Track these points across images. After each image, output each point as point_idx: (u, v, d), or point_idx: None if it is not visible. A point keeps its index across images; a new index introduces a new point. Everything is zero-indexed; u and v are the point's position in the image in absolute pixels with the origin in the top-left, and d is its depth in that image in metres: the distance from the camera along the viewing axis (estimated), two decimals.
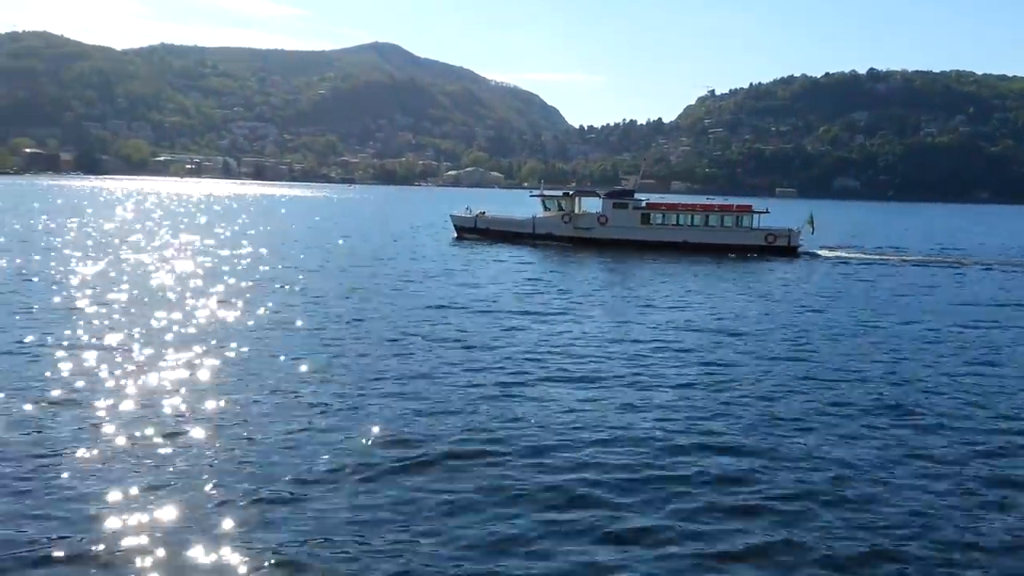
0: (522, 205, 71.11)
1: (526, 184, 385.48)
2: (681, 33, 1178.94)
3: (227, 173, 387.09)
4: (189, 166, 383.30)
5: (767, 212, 56.38)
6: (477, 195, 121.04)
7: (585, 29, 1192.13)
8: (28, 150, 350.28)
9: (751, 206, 57.68)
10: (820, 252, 55.46)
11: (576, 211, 56.49)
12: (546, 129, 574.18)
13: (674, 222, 54.86)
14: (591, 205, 58.38)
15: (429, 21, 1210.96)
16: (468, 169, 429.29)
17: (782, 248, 53.03)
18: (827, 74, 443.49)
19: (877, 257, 55.57)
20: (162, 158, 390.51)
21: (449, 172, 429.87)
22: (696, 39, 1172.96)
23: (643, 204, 56.35)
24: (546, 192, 61.26)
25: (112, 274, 36.41)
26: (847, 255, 55.21)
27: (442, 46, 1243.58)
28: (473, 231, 60.91)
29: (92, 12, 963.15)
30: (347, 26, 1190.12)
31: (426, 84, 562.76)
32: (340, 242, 59.16)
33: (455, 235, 62.50)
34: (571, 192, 59.90)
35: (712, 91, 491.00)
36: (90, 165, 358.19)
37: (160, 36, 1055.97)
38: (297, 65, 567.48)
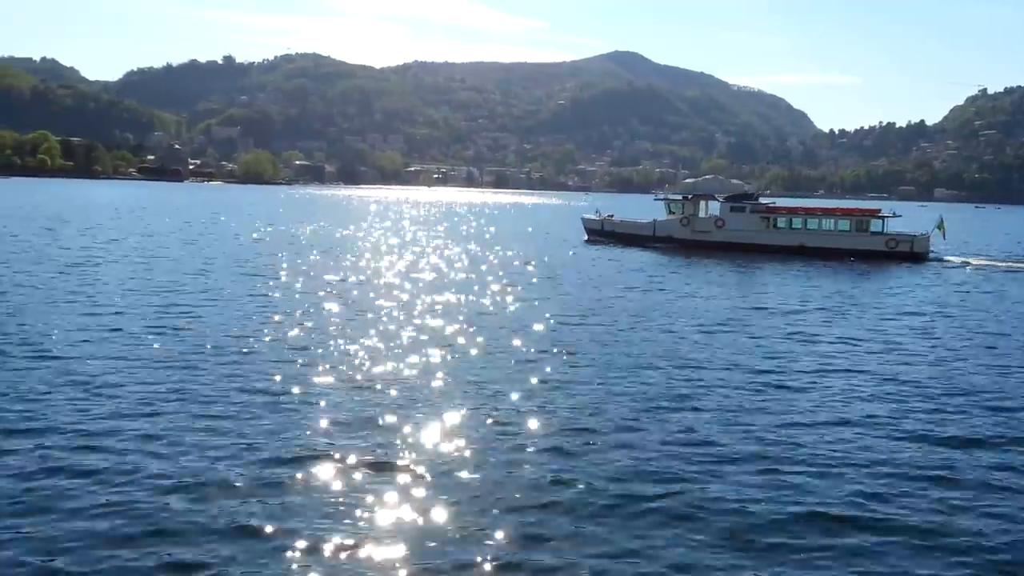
0: None
1: (768, 192, 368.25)
2: (945, 29, 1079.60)
3: (470, 182, 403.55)
4: (436, 176, 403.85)
5: (895, 216, 54.04)
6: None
7: (835, 28, 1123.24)
8: (297, 162, 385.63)
9: (879, 210, 55.44)
10: (950, 259, 52.65)
11: (697, 214, 56.22)
12: (792, 134, 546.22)
13: (792, 226, 53.62)
14: (714, 209, 57.18)
15: (669, 28, 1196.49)
16: (706, 176, 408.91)
17: (904, 254, 50.72)
18: None
19: (1005, 264, 51.93)
20: (413, 168, 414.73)
21: (686, 180, 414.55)
22: (962, 35, 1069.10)
23: (762, 207, 55.46)
24: (670, 196, 62.01)
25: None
26: (978, 262, 52.03)
27: (682, 52, 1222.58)
28: (600, 233, 61.88)
29: (356, 34, 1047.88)
30: (588, 36, 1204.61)
31: (665, 91, 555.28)
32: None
33: (585, 237, 63.31)
34: (691, 196, 59.51)
35: (984, 90, 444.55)
36: (350, 176, 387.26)
37: (414, 54, 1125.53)
38: (538, 76, 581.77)
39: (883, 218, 53.10)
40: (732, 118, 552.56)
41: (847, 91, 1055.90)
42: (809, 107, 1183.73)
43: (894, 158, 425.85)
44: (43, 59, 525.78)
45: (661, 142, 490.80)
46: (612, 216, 63.98)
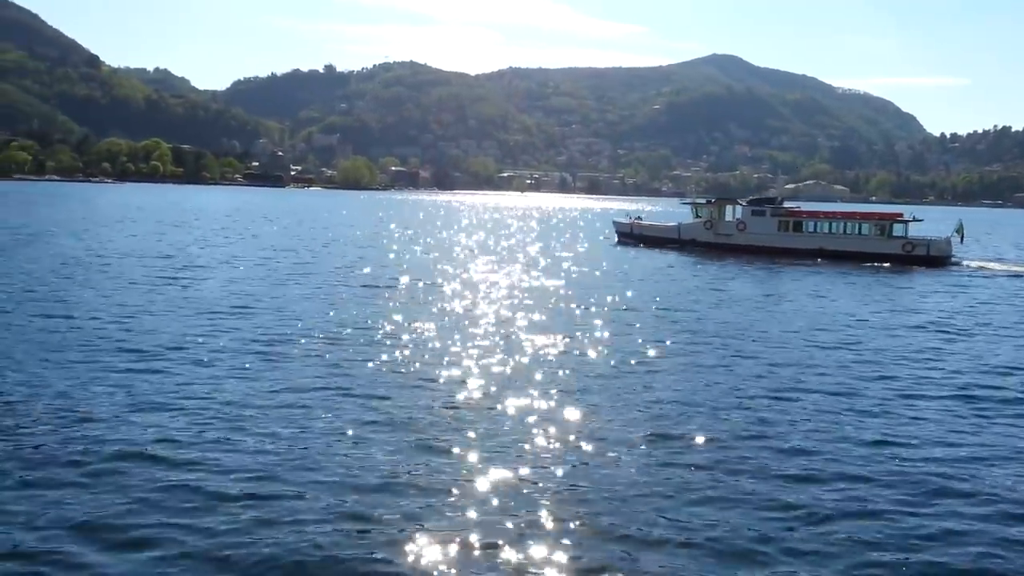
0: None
1: (873, 198, 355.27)
2: None
3: (563, 187, 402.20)
4: (529, 181, 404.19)
5: (915, 220, 53.42)
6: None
7: (944, 28, 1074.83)
8: (393, 168, 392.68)
9: (901, 214, 55.42)
10: (969, 263, 52.19)
11: (723, 218, 57.18)
12: (901, 138, 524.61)
13: (811, 229, 54.39)
14: (738, 213, 58.13)
15: (770, 30, 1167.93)
16: (808, 182, 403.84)
17: (921, 258, 50.56)
18: None
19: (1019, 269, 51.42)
20: (505, 174, 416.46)
21: (787, 185, 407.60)
22: None
23: (783, 211, 56.50)
24: (696, 200, 63.94)
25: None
26: (995, 267, 51.70)
27: (783, 54, 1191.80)
28: (630, 236, 64.13)
29: (452, 41, 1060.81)
30: (685, 40, 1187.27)
31: (765, 94, 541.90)
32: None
33: (616, 240, 65.61)
34: (714, 200, 62.10)
35: None
36: (443, 181, 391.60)
37: (508, 60, 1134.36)
38: (634, 81, 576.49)
39: (904, 222, 53.07)
40: (836, 121, 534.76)
41: (958, 93, 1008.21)
42: (918, 110, 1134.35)
43: (1010, 163, 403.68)
44: (156, 70, 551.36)
45: (760, 147, 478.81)
46: (640, 219, 67.10)
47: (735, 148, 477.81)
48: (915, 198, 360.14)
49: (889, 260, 50.12)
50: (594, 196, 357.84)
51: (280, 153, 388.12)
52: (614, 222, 69.32)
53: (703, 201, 61.63)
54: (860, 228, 53.74)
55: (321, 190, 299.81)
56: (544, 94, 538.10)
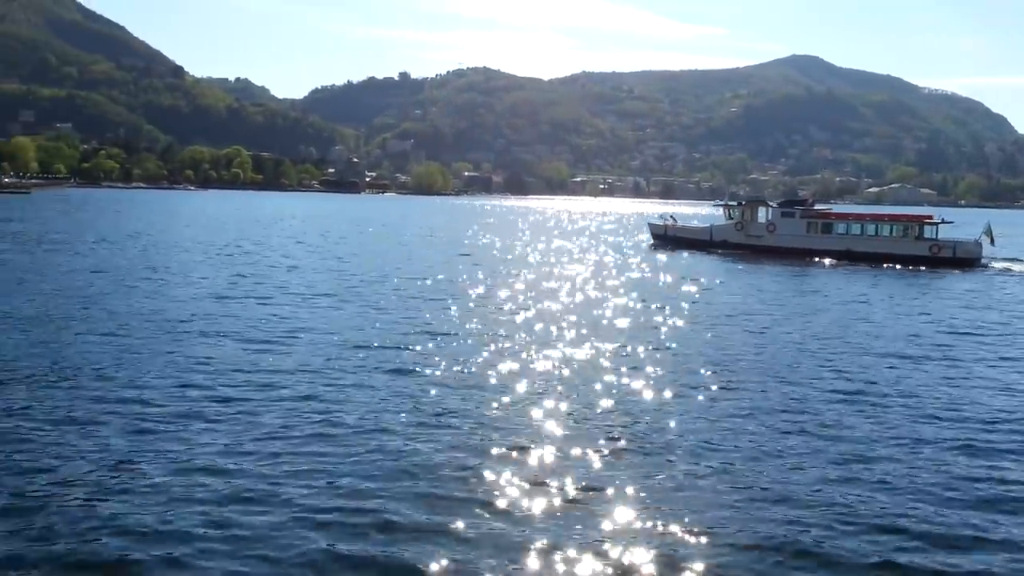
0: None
1: (962, 202, 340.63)
2: None
3: (636, 192, 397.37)
4: (602, 186, 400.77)
5: (944, 222, 53.65)
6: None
7: None
8: (466, 173, 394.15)
9: (931, 216, 55.79)
10: (997, 264, 52.16)
11: (755, 220, 57.84)
12: (991, 140, 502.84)
13: (840, 231, 54.92)
14: (769, 215, 59.01)
15: (851, 30, 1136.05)
16: (893, 185, 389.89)
17: (947, 259, 50.51)
18: None
19: None
20: (578, 179, 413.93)
21: (870, 189, 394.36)
22: None
23: (813, 213, 57.24)
24: (728, 202, 64.42)
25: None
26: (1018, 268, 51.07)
27: (865, 54, 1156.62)
28: (663, 238, 64.85)
29: (525, 47, 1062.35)
30: (764, 41, 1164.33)
31: (846, 95, 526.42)
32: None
33: (651, 242, 66.37)
34: (744, 202, 63.43)
35: None
36: (516, 186, 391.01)
37: (582, 65, 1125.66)
38: (710, 84, 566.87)
39: (934, 224, 53.32)
40: (922, 123, 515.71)
41: None
42: (1009, 111, 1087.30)
43: None
44: (237, 79, 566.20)
45: (842, 149, 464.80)
46: (675, 222, 67.67)
47: (815, 151, 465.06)
48: (1007, 201, 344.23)
49: (916, 262, 50.36)
50: (669, 200, 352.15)
51: (355, 160, 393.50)
52: (649, 224, 71.14)
53: (735, 203, 62.95)
54: (888, 230, 54.20)
55: (395, 196, 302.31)
56: (617, 98, 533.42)
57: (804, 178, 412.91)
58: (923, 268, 48.73)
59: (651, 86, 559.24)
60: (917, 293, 37.34)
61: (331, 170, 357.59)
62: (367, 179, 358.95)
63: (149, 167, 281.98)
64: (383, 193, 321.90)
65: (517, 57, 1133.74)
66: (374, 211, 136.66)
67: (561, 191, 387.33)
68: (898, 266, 49.37)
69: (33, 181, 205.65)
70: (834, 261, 51.28)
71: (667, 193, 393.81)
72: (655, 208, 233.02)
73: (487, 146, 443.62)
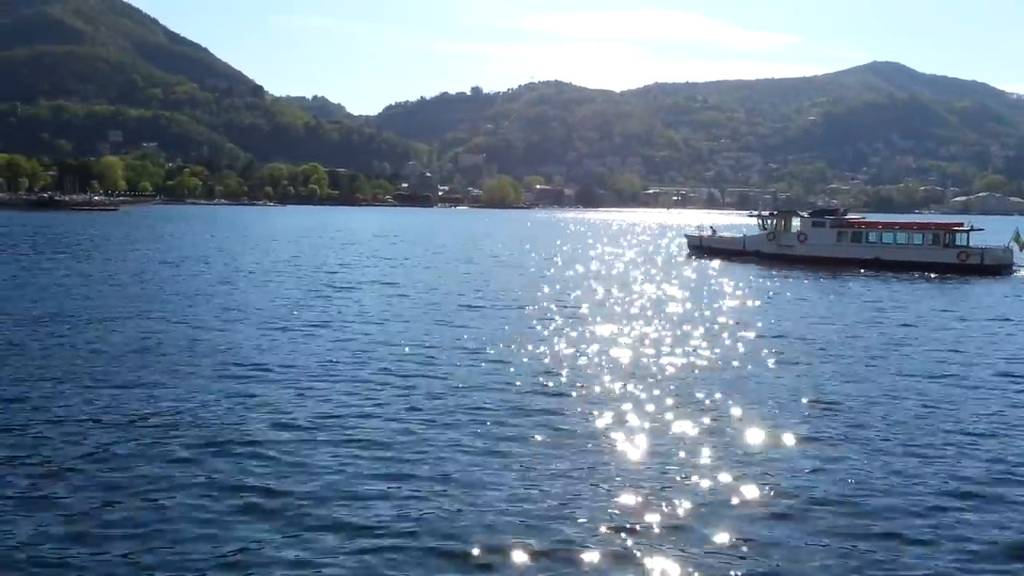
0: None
1: None
2: None
3: (711, 203, 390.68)
4: (675, 198, 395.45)
5: (974, 229, 54.02)
6: (988, 222, 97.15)
7: None
8: (538, 186, 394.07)
9: (961, 223, 56.21)
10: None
11: (788, 230, 58.49)
12: None
13: (869, 239, 55.04)
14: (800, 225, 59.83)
15: (934, 35, 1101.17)
16: (981, 194, 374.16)
17: (976, 267, 50.36)
18: None
19: None
20: (651, 191, 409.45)
21: (957, 198, 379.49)
22: None
23: (843, 222, 57.23)
24: (761, 212, 66.94)
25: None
26: None
27: (950, 59, 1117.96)
28: (699, 248, 66.61)
29: (597, 59, 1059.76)
30: (843, 48, 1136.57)
31: (930, 102, 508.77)
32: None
33: (688, 252, 67.87)
34: (779, 212, 65.43)
35: None
36: (588, 199, 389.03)
37: (654, 76, 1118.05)
38: (786, 92, 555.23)
39: (965, 232, 53.30)
40: (1010, 129, 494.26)
41: None
42: None
43: None
44: (314, 97, 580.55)
45: (926, 157, 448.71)
46: (714, 232, 68.77)
47: (897, 159, 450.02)
48: None
49: (944, 270, 50.23)
50: (744, 211, 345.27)
51: (428, 174, 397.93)
52: (685, 235, 72.94)
53: (767, 213, 64.77)
54: (917, 238, 54.30)
55: (468, 209, 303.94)
56: (691, 108, 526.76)
57: (887, 187, 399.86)
58: (950, 276, 48.34)
59: (726, 96, 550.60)
60: (945, 298, 37.24)
61: (404, 185, 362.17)
62: (439, 193, 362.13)
63: (230, 184, 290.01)
64: (455, 207, 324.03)
65: (589, 69, 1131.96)
66: (461, 226, 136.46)
67: (633, 203, 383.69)
68: (932, 275, 48.77)
69: (121, 199, 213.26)
70: (864, 269, 51.33)
71: (743, 204, 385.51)
72: (729, 219, 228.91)
73: (559, 159, 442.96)
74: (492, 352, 21.44)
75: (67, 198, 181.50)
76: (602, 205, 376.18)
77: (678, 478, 12.00)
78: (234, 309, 28.94)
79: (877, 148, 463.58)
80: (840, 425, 15.02)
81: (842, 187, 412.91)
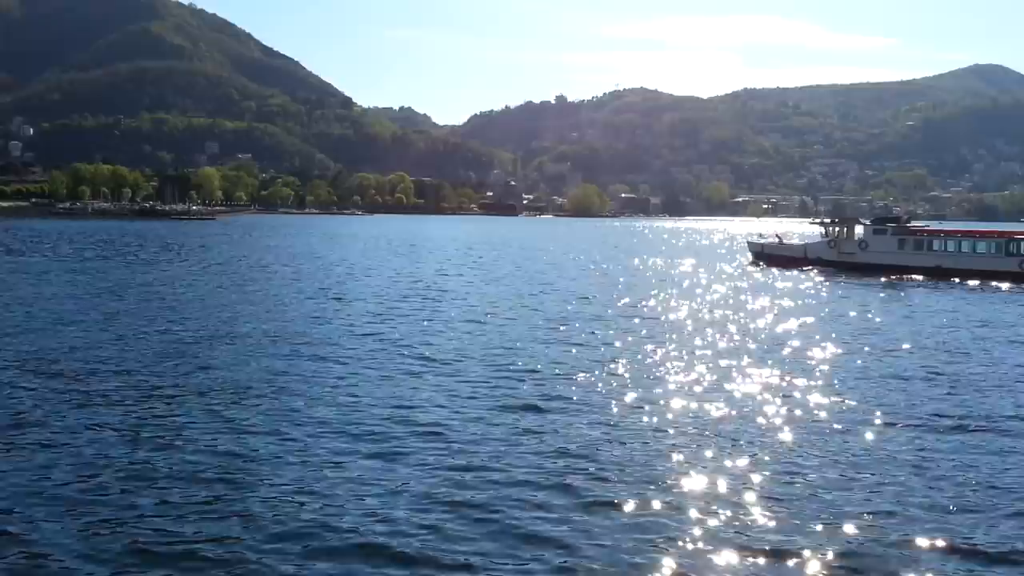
0: None
1: None
2: None
3: (803, 212, 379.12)
4: (765, 206, 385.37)
5: None
6: None
7: None
8: (623, 195, 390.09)
9: None
10: None
11: (851, 237, 58.36)
12: None
13: (931, 247, 54.67)
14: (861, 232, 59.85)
15: None
16: None
17: None
18: None
19: None
20: (740, 199, 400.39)
21: None
22: None
23: (905, 230, 56.90)
24: (824, 220, 65.63)
25: None
26: None
27: None
28: (760, 256, 65.71)
29: (684, 65, 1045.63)
30: (942, 51, 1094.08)
31: None
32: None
33: (750, 259, 67.22)
34: (839, 219, 63.96)
35: None
36: (674, 207, 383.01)
37: (743, 82, 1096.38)
38: (883, 97, 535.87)
39: None
40: None
41: None
42: None
43: None
44: (401, 108, 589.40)
45: None
46: (780, 241, 67.76)
47: (1002, 166, 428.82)
48: None
49: (1005, 278, 49.72)
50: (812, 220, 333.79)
51: (513, 183, 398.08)
52: (748, 243, 72.42)
53: (829, 221, 63.99)
54: (981, 246, 53.90)
55: (552, 218, 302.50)
56: (783, 114, 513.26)
57: (991, 195, 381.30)
58: (1009, 284, 47.83)
59: (819, 101, 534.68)
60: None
61: (489, 193, 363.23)
62: (524, 202, 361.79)
63: (320, 194, 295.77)
64: (539, 215, 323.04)
65: (675, 76, 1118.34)
66: (572, 237, 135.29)
67: (721, 212, 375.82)
68: (1002, 285, 48.13)
69: (217, 208, 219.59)
70: (924, 277, 51.15)
71: (837, 212, 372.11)
72: (804, 228, 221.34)
73: (644, 167, 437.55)
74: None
75: (167, 208, 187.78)
76: (688, 214, 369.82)
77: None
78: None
79: (980, 155, 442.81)
80: None
81: (943, 195, 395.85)
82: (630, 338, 25.77)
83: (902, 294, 43.01)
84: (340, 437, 14.20)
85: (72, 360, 20.45)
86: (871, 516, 10.98)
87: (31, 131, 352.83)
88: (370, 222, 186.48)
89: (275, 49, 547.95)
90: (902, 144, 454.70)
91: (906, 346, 24.71)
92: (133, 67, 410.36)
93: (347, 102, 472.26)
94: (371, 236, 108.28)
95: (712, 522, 10.73)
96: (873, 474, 12.70)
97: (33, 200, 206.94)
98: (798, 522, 10.74)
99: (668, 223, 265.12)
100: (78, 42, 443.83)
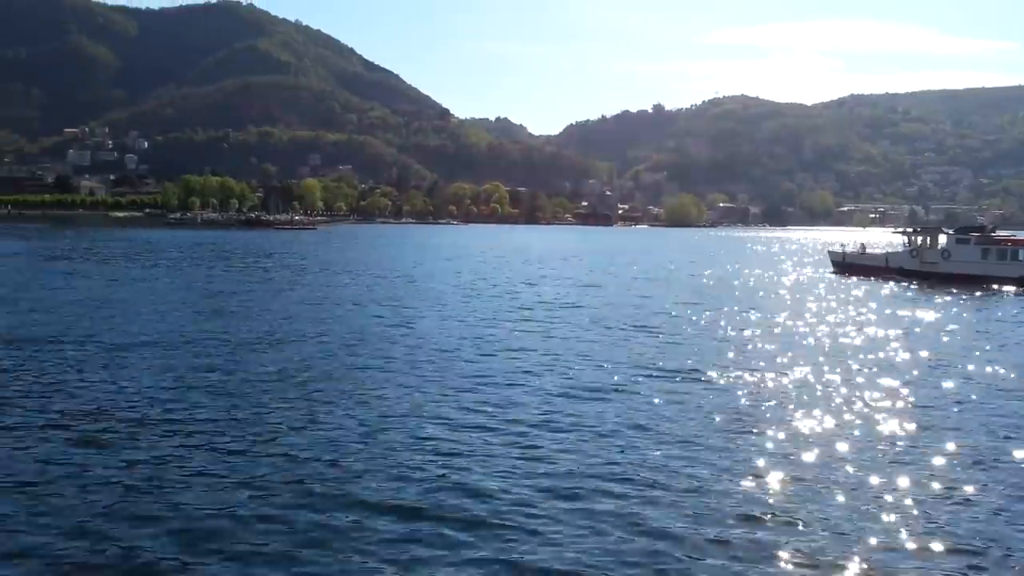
0: None
1: None
2: None
3: (913, 221, 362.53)
4: (872, 215, 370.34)
5: None
6: None
7: None
8: (721, 204, 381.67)
9: None
10: None
11: (934, 247, 57.14)
12: None
13: (1015, 257, 53.80)
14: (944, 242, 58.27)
15: None
16: None
17: None
18: None
19: None
20: (845, 208, 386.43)
21: None
22: None
23: (989, 240, 55.72)
24: (907, 230, 65.32)
25: None
26: None
27: None
28: (842, 266, 65.21)
29: (786, 72, 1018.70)
30: None
31: None
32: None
33: (832, 269, 66.42)
34: (922, 228, 65.32)
35: None
36: (775, 217, 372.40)
37: (849, 88, 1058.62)
38: (999, 102, 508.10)
39: None
40: None
41: None
42: None
43: None
44: (497, 118, 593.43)
45: None
46: (863, 249, 66.67)
47: None
48: None
49: None
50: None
51: (608, 192, 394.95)
52: (828, 252, 72.08)
53: (912, 230, 64.01)
54: None
55: (648, 228, 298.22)
56: (891, 121, 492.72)
57: None
58: None
59: (929, 107, 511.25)
60: None
61: (584, 203, 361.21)
62: (619, 211, 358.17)
63: (417, 204, 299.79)
64: (635, 225, 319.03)
65: (777, 83, 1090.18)
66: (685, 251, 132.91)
67: (825, 221, 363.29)
68: None
69: (319, 218, 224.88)
70: (1015, 288, 50.03)
71: (950, 222, 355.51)
72: (889, 238, 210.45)
73: (744, 176, 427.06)
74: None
75: (272, 217, 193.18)
76: (790, 223, 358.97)
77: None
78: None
79: None
80: None
81: None
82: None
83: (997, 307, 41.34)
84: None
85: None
86: None
87: (146, 144, 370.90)
88: (467, 232, 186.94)
89: (375, 63, 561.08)
90: (1020, 151, 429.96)
91: None
92: (241, 82, 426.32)
93: (444, 113, 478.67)
94: (488, 246, 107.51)
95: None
96: None
97: (147, 210, 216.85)
98: None
99: (770, 233, 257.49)
100: (190, 60, 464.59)
